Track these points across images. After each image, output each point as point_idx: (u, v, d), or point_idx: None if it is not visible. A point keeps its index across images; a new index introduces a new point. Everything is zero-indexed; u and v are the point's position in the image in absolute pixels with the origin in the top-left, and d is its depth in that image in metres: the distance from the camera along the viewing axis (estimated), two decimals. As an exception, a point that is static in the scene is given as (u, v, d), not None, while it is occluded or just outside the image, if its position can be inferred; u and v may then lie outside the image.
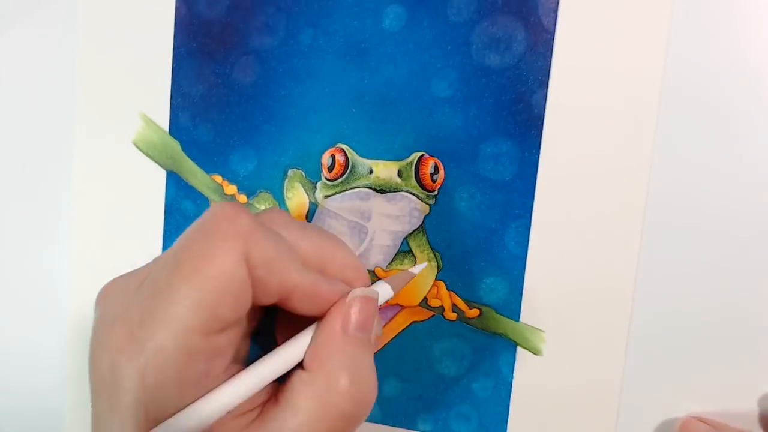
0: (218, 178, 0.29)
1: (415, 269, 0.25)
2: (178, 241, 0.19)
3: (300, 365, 0.20)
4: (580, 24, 0.26)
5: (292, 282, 0.19)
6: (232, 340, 0.19)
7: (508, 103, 0.27)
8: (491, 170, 0.27)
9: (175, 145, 0.30)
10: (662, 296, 0.26)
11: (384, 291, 0.22)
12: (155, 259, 0.21)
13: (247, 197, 0.29)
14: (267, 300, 0.20)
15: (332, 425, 0.19)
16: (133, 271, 0.21)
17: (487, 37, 0.27)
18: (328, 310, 0.20)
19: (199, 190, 0.30)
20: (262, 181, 0.29)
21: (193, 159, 0.30)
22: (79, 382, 0.32)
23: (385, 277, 0.28)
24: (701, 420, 0.26)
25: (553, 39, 0.26)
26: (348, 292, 0.21)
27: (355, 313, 0.20)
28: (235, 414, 0.20)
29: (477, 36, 0.27)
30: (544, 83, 0.26)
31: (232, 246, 0.18)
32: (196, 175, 0.30)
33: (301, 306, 0.20)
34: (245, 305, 0.19)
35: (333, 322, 0.20)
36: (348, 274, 0.21)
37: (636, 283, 0.26)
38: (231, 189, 0.29)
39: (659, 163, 0.26)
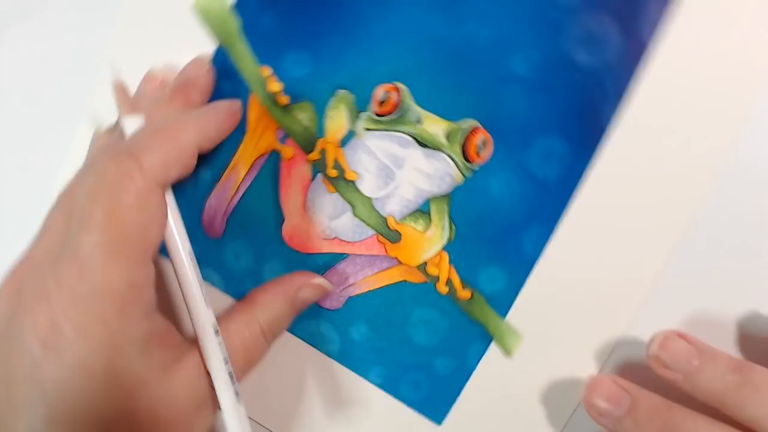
0: (266, 71, 0.28)
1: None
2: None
3: None
4: (682, 45, 0.24)
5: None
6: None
7: (580, 104, 0.25)
8: (538, 166, 0.26)
9: (234, 22, 0.28)
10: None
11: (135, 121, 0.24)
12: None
13: (291, 101, 0.28)
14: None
15: None
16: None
17: (583, 31, 0.25)
18: None
19: (243, 76, 0.28)
20: (309, 90, 0.28)
21: (249, 42, 0.28)
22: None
23: (394, 228, 0.27)
24: (682, 336, 0.23)
25: (645, 53, 0.25)
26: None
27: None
28: None
29: (574, 26, 0.25)
30: (622, 96, 0.25)
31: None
32: (244, 60, 0.28)
33: None
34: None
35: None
36: None
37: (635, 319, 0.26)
38: (276, 86, 0.28)
39: (708, 208, 0.25)
